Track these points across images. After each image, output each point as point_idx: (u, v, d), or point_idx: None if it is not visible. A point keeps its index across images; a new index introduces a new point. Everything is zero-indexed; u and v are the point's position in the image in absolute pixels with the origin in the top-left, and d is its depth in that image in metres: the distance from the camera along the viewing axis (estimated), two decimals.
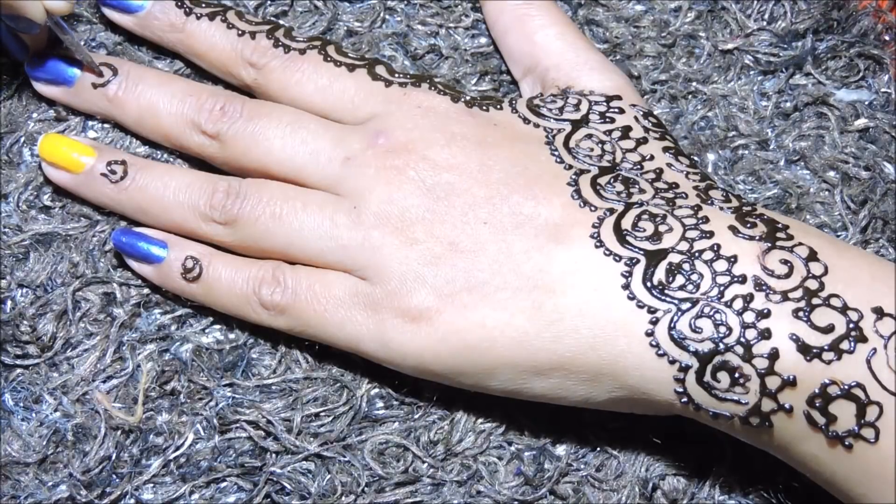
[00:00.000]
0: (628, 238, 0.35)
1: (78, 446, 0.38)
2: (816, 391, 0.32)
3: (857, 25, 0.45)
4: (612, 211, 0.36)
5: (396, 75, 0.40)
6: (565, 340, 0.35)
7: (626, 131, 0.39)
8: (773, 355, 0.32)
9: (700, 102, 0.44)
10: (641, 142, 0.39)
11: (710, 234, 0.34)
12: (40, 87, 0.41)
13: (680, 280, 0.34)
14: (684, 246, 0.34)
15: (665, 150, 0.39)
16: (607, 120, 0.39)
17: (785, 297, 0.33)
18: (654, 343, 0.33)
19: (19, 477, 0.37)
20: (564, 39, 0.41)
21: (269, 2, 0.44)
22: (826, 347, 0.32)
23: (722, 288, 0.33)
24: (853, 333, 0.32)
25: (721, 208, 0.36)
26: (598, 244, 0.35)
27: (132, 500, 0.37)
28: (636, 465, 0.39)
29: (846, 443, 0.32)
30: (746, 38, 0.45)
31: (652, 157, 0.38)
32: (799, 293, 0.33)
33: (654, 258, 0.34)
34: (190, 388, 0.39)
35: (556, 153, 0.38)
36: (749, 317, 0.33)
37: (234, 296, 0.38)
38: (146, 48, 0.43)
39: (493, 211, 0.36)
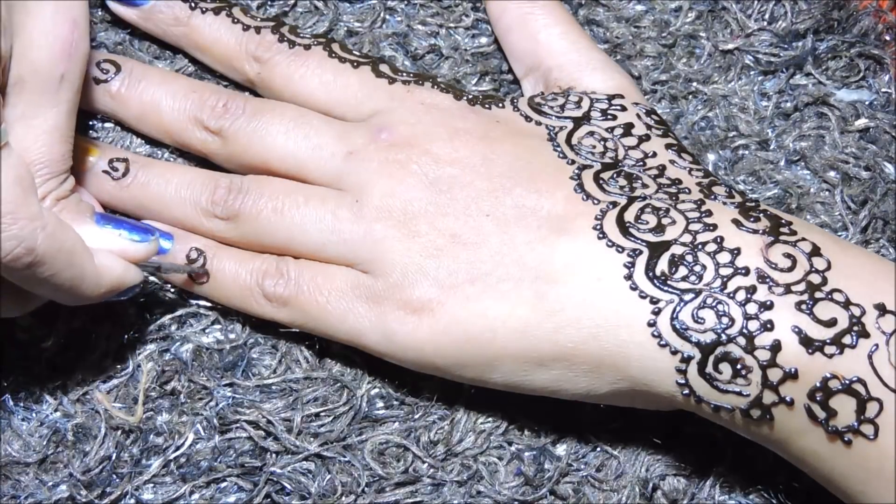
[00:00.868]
0: (631, 230, 0.35)
1: (78, 446, 0.38)
2: (818, 384, 0.32)
3: (858, 25, 0.45)
4: (614, 204, 0.36)
5: (400, 73, 0.40)
6: (567, 331, 0.35)
7: (628, 128, 0.39)
8: (776, 347, 0.32)
9: (700, 102, 0.44)
10: (644, 139, 0.39)
11: (714, 227, 0.34)
12: None
13: (683, 271, 0.34)
14: (687, 238, 0.34)
15: (667, 146, 0.39)
16: (609, 117, 0.39)
17: (788, 289, 0.33)
18: (655, 333, 0.34)
19: (19, 477, 0.37)
20: (567, 39, 0.42)
21: (270, 2, 0.44)
22: (828, 341, 0.32)
23: (725, 279, 0.33)
24: (855, 328, 0.32)
25: (724, 203, 0.36)
26: (600, 235, 0.35)
27: (132, 500, 0.37)
28: (636, 465, 0.39)
29: (845, 438, 0.32)
30: (747, 38, 0.45)
31: (654, 154, 0.38)
32: (802, 286, 0.33)
33: (656, 249, 0.34)
34: (190, 388, 0.39)
35: (559, 149, 0.38)
36: (752, 308, 0.33)
37: (238, 288, 0.38)
38: (147, 47, 0.43)
39: (496, 203, 0.36)
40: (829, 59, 0.44)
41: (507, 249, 0.36)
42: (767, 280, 0.33)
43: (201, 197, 0.39)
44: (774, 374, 0.32)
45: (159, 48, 0.43)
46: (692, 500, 0.39)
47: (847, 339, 0.32)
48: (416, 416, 0.39)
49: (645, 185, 0.37)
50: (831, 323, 0.32)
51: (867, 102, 0.44)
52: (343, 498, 0.38)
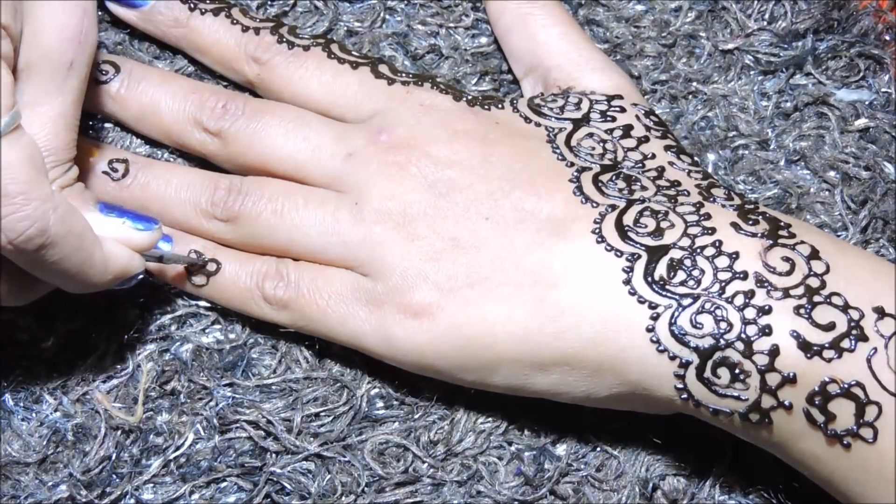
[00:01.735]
0: (630, 234, 0.35)
1: (78, 446, 0.38)
2: (816, 389, 0.32)
3: (858, 25, 0.45)
4: (613, 207, 0.36)
5: (399, 74, 0.40)
6: (566, 336, 0.35)
7: (627, 130, 0.39)
8: (774, 352, 0.32)
9: (700, 102, 0.44)
10: (643, 140, 0.39)
11: (712, 231, 0.34)
12: None
13: (681, 276, 0.34)
14: (686, 242, 0.34)
15: (667, 148, 0.39)
16: (608, 119, 0.39)
17: (786, 293, 0.33)
18: (654, 339, 0.34)
19: (19, 477, 0.37)
20: (567, 39, 0.42)
21: (270, 2, 0.44)
22: (827, 345, 0.32)
23: (723, 284, 0.33)
24: (854, 332, 0.32)
25: (723, 205, 0.36)
26: (599, 239, 0.35)
27: (132, 500, 0.37)
28: (636, 465, 0.39)
29: (844, 442, 0.32)
30: (747, 38, 0.45)
31: (653, 156, 0.38)
32: (800, 290, 0.33)
33: (655, 254, 0.34)
34: (190, 388, 0.39)
35: (558, 151, 0.38)
36: (750, 313, 0.33)
37: (238, 290, 0.38)
38: (147, 47, 0.43)
39: (495, 206, 0.36)
40: (829, 58, 0.44)
41: (507, 253, 0.36)
42: (766, 284, 0.33)
43: (201, 198, 0.39)
44: (773, 379, 0.32)
45: (159, 48, 0.43)
46: (692, 500, 0.39)
47: (846, 343, 0.32)
48: (416, 416, 0.39)
49: (644, 188, 0.37)
50: (830, 327, 0.32)
51: (867, 102, 0.44)
52: (343, 498, 0.38)
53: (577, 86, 0.41)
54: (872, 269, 0.34)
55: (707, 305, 0.33)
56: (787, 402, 0.32)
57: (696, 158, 0.41)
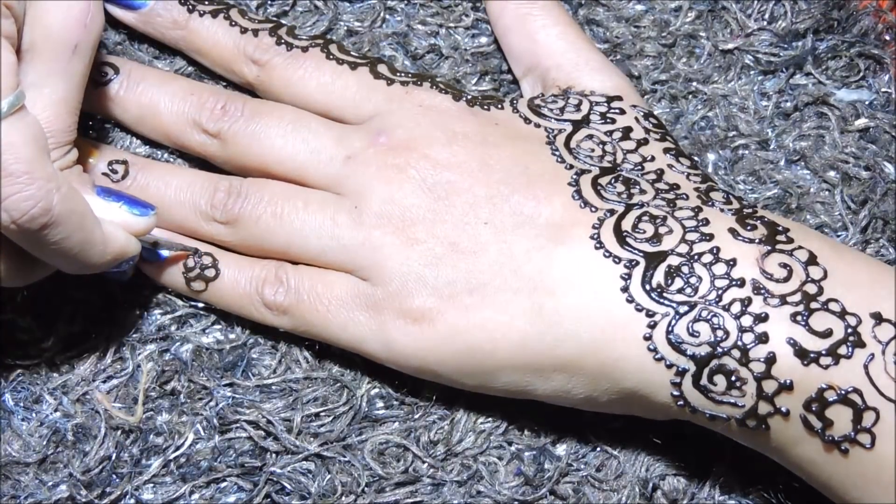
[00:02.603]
0: (628, 239, 0.35)
1: (78, 446, 0.38)
2: (813, 395, 0.32)
3: (858, 25, 0.45)
4: (612, 212, 0.36)
5: (398, 74, 0.40)
6: (566, 344, 0.35)
7: (626, 132, 0.39)
8: (771, 359, 0.32)
9: (700, 102, 0.44)
10: (642, 143, 0.39)
11: (710, 237, 0.34)
12: None
13: (678, 283, 0.34)
14: (684, 248, 0.34)
15: (666, 151, 0.39)
16: (608, 121, 0.39)
17: (783, 300, 0.33)
18: (651, 347, 0.33)
19: (19, 477, 0.37)
20: (566, 39, 0.41)
21: (269, 1, 0.44)
22: (824, 352, 0.32)
23: (720, 291, 0.33)
24: (851, 338, 0.32)
25: (722, 210, 0.36)
26: (598, 245, 0.35)
27: (132, 500, 0.37)
28: (636, 465, 0.39)
29: (842, 448, 0.32)
30: (747, 37, 0.44)
31: (653, 158, 0.38)
32: (797, 297, 0.33)
33: (653, 260, 0.34)
34: (190, 388, 0.39)
35: (557, 153, 0.38)
36: (747, 320, 0.33)
37: (238, 295, 0.38)
38: (146, 48, 0.43)
39: (494, 211, 0.36)
40: (829, 58, 0.44)
41: (505, 259, 0.36)
42: (763, 291, 0.33)
43: (200, 200, 0.39)
44: (769, 386, 0.32)
45: (158, 49, 0.43)
46: (692, 500, 0.39)
47: (842, 350, 0.32)
48: (416, 416, 0.39)
49: (643, 192, 0.36)
50: (827, 334, 0.32)
51: (867, 102, 0.44)
52: (343, 498, 0.38)
53: (576, 86, 0.41)
54: (870, 274, 0.34)
55: (704, 313, 0.33)
56: (783, 409, 0.32)
57: (695, 160, 0.41)
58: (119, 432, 0.38)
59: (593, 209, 0.36)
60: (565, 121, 0.39)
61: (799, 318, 0.32)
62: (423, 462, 0.38)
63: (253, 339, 0.40)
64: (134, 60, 0.42)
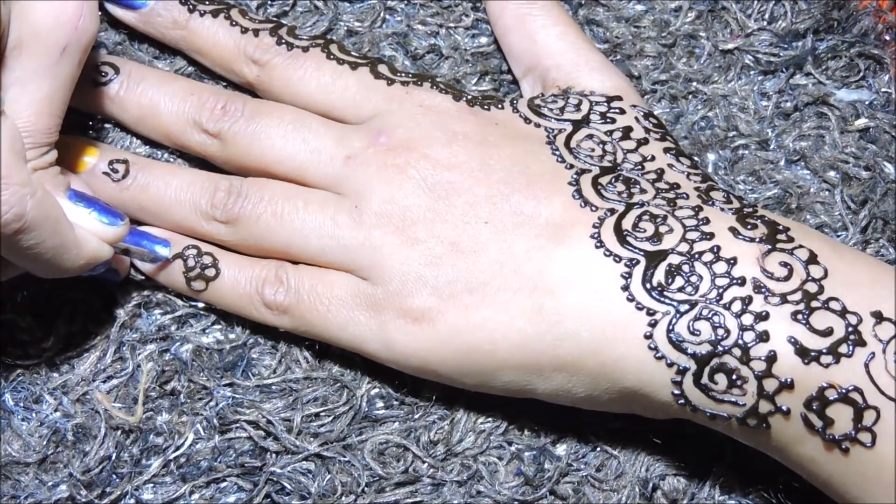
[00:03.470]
0: (629, 238, 0.35)
1: (78, 446, 0.38)
2: (814, 394, 0.32)
3: (858, 25, 0.45)
4: (612, 211, 0.36)
5: (399, 74, 0.40)
6: (565, 343, 0.35)
7: (626, 132, 0.39)
8: (771, 358, 0.32)
9: (700, 102, 0.44)
10: (642, 142, 0.39)
11: (711, 236, 0.34)
12: None
13: (679, 282, 0.34)
14: (684, 247, 0.34)
15: (666, 150, 0.39)
16: (608, 120, 0.39)
17: (784, 299, 0.33)
18: (652, 346, 0.33)
19: (19, 477, 0.37)
20: (566, 39, 0.41)
21: (270, 1, 0.44)
22: (824, 351, 0.32)
23: (721, 290, 0.33)
24: (852, 337, 0.32)
25: (722, 209, 0.36)
26: (598, 244, 0.35)
27: (132, 500, 0.37)
28: (636, 465, 0.39)
29: (843, 446, 0.32)
30: (747, 37, 0.45)
31: (653, 158, 0.38)
32: (798, 296, 0.33)
33: (653, 259, 0.34)
34: (190, 388, 0.39)
35: (558, 153, 0.38)
36: (747, 319, 0.33)
37: (238, 295, 0.38)
38: (146, 48, 0.43)
39: (494, 210, 0.36)
40: (829, 58, 0.44)
41: (506, 258, 0.35)
42: (763, 290, 0.33)
43: (201, 200, 0.38)
44: (770, 385, 0.32)
45: (158, 49, 0.43)
46: (692, 500, 0.39)
47: (843, 349, 0.32)
48: (416, 416, 0.39)
49: (643, 191, 0.36)
50: (827, 332, 0.32)
51: (867, 102, 0.44)
52: (343, 498, 0.38)
53: (576, 86, 0.41)
54: (871, 273, 0.34)
55: (705, 312, 0.33)
56: (784, 408, 0.32)
57: (695, 160, 0.41)
58: (119, 432, 0.38)
59: (593, 208, 0.36)
60: (565, 120, 0.39)
61: (800, 316, 0.32)
62: (423, 462, 0.38)
63: (253, 339, 0.40)
64: (134, 60, 0.42)
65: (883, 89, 0.44)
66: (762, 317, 0.33)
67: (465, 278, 0.36)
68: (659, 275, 0.34)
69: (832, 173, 0.43)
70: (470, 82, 0.43)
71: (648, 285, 0.34)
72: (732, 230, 0.35)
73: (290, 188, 0.38)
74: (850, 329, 0.32)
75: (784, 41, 0.44)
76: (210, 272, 0.38)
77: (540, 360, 0.35)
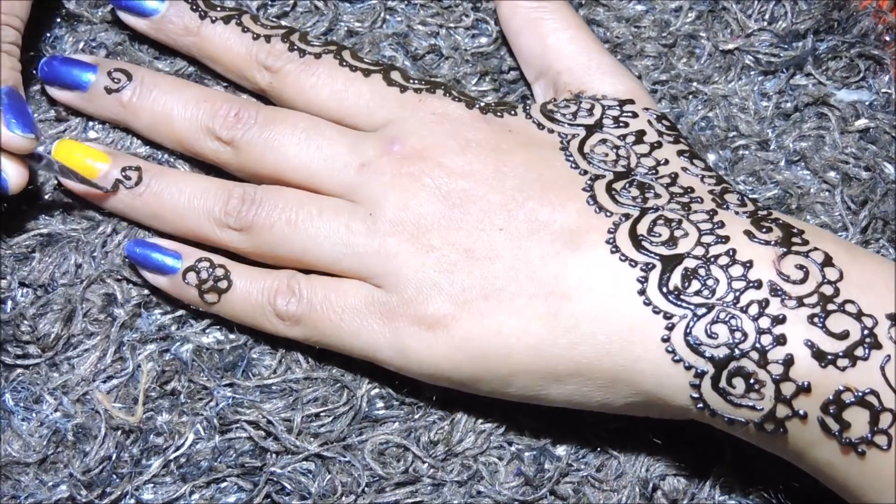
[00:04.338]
0: (644, 243, 0.35)
1: (78, 446, 0.38)
2: (831, 398, 0.32)
3: (858, 26, 0.45)
4: (627, 216, 0.36)
5: (412, 81, 0.40)
6: (581, 347, 0.34)
7: (640, 136, 0.39)
8: (788, 361, 0.32)
9: (701, 103, 0.44)
10: (656, 146, 0.39)
11: (726, 239, 0.34)
12: (53, 92, 0.41)
13: (696, 285, 0.34)
14: (700, 251, 0.34)
15: (679, 153, 0.39)
16: (621, 125, 0.39)
17: (800, 302, 0.33)
18: (669, 349, 0.33)
19: (19, 477, 0.37)
20: (577, 43, 0.41)
21: (270, 2, 0.44)
22: (841, 354, 0.32)
23: (738, 293, 0.33)
24: (868, 340, 0.32)
25: (736, 212, 0.36)
26: (613, 249, 0.35)
27: (132, 500, 0.37)
28: (636, 466, 0.39)
29: (859, 450, 0.32)
30: (747, 38, 0.45)
31: (667, 162, 0.38)
32: (814, 299, 0.33)
33: (669, 263, 0.34)
34: (190, 388, 0.39)
35: (571, 158, 0.38)
36: (764, 322, 0.33)
37: (250, 306, 0.38)
38: (146, 48, 0.43)
39: (509, 217, 0.36)
40: (829, 59, 0.44)
41: (521, 264, 0.35)
42: (780, 293, 0.33)
43: (214, 207, 0.38)
44: (787, 389, 0.32)
45: (159, 49, 0.43)
46: (692, 500, 0.39)
47: (859, 352, 0.32)
48: (416, 416, 0.39)
49: (657, 195, 0.36)
50: (844, 335, 0.32)
51: (867, 103, 0.44)
52: (343, 498, 0.38)
53: (588, 90, 0.41)
54: (885, 276, 0.34)
55: (722, 315, 0.33)
56: (801, 412, 0.32)
57: (709, 162, 0.40)
58: (119, 432, 0.38)
59: (608, 214, 0.36)
60: (578, 126, 0.39)
61: (816, 319, 0.32)
62: (424, 462, 0.38)
63: (253, 339, 0.40)
64: (144, 66, 0.42)
65: (883, 90, 0.44)
66: (779, 320, 0.33)
67: (481, 285, 0.36)
68: (675, 279, 0.34)
69: (832, 174, 0.43)
70: (470, 82, 0.43)
71: (665, 289, 0.34)
72: (747, 233, 0.35)
73: (303, 195, 0.38)
74: (866, 332, 0.32)
75: (784, 42, 0.44)
76: (222, 284, 0.38)
77: (555, 364, 0.35)
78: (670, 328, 0.33)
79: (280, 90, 0.40)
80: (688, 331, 0.33)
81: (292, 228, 0.38)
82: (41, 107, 0.41)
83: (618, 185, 0.37)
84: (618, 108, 0.40)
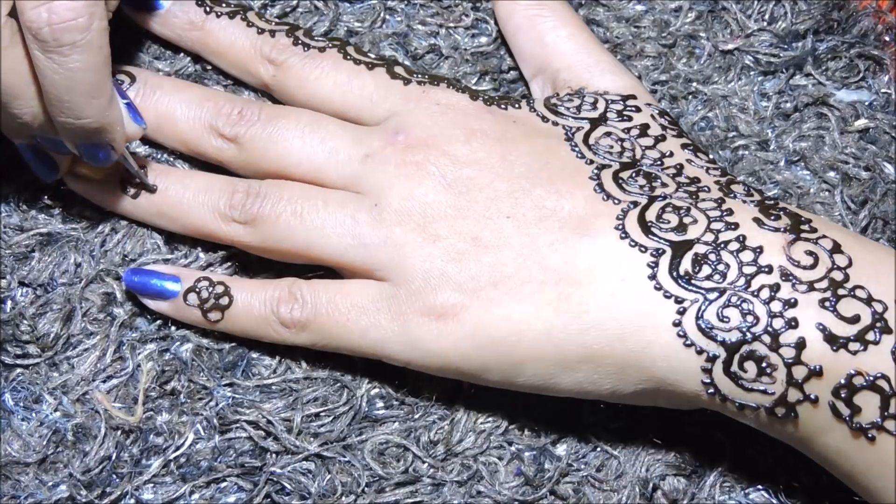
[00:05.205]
0: (653, 229, 0.35)
1: (78, 446, 0.38)
2: (842, 382, 0.32)
3: (858, 26, 0.45)
4: (635, 203, 0.36)
5: (415, 74, 0.40)
6: (592, 332, 0.34)
7: (644, 129, 0.39)
8: (800, 345, 0.32)
9: (700, 103, 0.44)
10: (660, 139, 0.39)
11: (736, 226, 0.34)
12: None
13: (706, 270, 0.34)
14: (710, 237, 0.34)
15: (684, 146, 0.39)
16: (625, 118, 0.39)
17: (811, 287, 0.33)
18: (681, 333, 0.34)
19: (19, 477, 0.37)
20: (575, 41, 0.41)
21: (271, 2, 0.44)
22: (852, 337, 0.32)
23: (749, 277, 0.33)
24: (878, 324, 0.32)
25: (744, 201, 0.36)
26: (623, 235, 0.35)
27: (132, 500, 0.37)
28: (636, 465, 0.39)
29: (869, 435, 0.32)
30: (747, 38, 0.45)
31: (671, 154, 0.38)
32: (825, 283, 0.33)
33: (680, 249, 0.34)
34: (190, 387, 0.39)
35: (577, 149, 0.38)
36: (776, 306, 0.33)
37: (254, 318, 0.38)
38: (147, 48, 0.43)
39: (516, 205, 0.36)
40: (828, 59, 0.45)
41: (529, 251, 0.35)
42: (791, 278, 0.33)
43: (219, 201, 0.38)
44: (799, 372, 0.32)
45: (159, 49, 0.43)
46: (692, 500, 0.39)
47: (870, 336, 0.32)
48: (416, 416, 0.39)
49: (664, 185, 0.37)
50: (854, 320, 0.32)
51: (867, 103, 0.44)
52: (343, 498, 0.38)
53: (589, 87, 0.41)
54: (893, 263, 0.34)
55: (733, 299, 0.33)
56: (813, 396, 0.32)
57: (712, 156, 0.41)
58: (119, 432, 0.38)
59: (616, 201, 0.36)
60: (582, 119, 0.39)
61: (827, 304, 0.33)
62: (424, 462, 0.38)
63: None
64: (137, 65, 0.42)
65: (883, 90, 0.44)
66: (791, 304, 0.33)
67: (489, 272, 0.36)
68: (686, 264, 0.34)
69: (832, 174, 0.43)
70: (470, 82, 0.43)
71: (675, 274, 0.34)
72: (756, 220, 0.35)
73: (308, 188, 0.38)
74: (877, 316, 0.32)
75: (784, 42, 0.44)
76: (224, 300, 0.38)
77: (566, 350, 0.35)
78: (682, 312, 0.34)
79: (283, 83, 0.40)
80: (699, 315, 0.33)
81: (298, 220, 0.37)
82: None
83: (624, 175, 0.37)
84: (621, 102, 0.40)
